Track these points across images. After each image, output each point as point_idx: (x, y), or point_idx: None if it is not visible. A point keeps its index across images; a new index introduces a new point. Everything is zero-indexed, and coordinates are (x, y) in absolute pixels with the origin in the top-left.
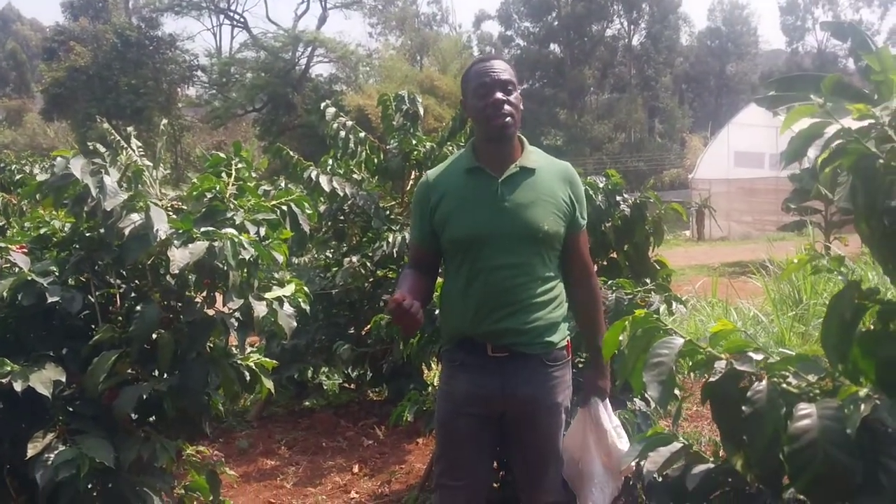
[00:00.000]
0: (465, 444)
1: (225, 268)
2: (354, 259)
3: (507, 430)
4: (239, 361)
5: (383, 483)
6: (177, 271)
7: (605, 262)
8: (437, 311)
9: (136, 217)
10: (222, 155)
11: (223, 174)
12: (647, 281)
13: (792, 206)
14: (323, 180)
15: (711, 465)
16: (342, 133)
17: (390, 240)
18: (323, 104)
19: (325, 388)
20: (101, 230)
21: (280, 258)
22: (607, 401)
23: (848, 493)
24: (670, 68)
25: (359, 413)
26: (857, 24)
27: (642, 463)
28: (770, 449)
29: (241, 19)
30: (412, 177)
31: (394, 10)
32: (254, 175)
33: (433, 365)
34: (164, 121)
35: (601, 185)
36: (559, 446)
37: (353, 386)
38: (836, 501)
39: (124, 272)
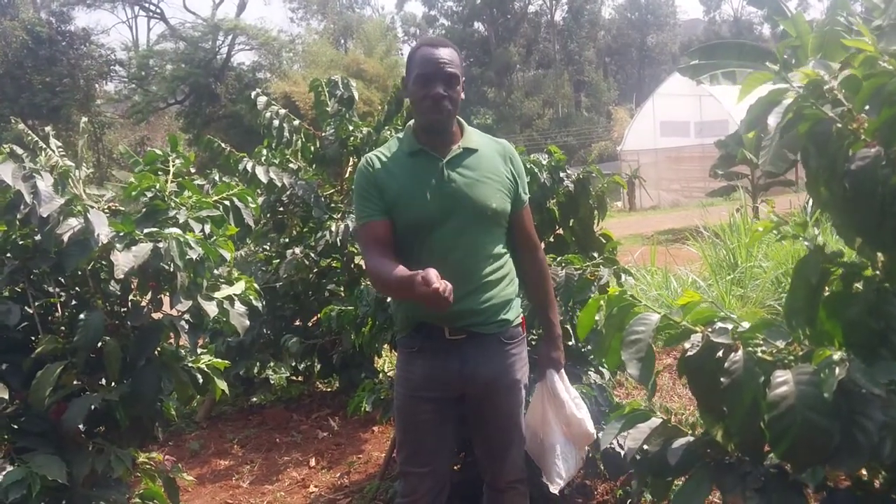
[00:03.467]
0: (427, 430)
1: (171, 269)
2: (297, 250)
3: (467, 412)
4: (190, 364)
5: (342, 474)
6: (121, 276)
7: (551, 239)
8: (388, 299)
9: (73, 222)
10: (158, 151)
11: (160, 171)
12: (595, 255)
13: (719, 172)
14: (259, 171)
15: (691, 439)
16: (276, 122)
17: (333, 228)
18: (253, 93)
19: (272, 382)
20: (37, 237)
21: (227, 255)
22: (563, 372)
23: (827, 454)
24: (593, 42)
25: (311, 406)
26: None
27: (620, 440)
28: (750, 417)
29: (158, 10)
30: (350, 163)
31: None
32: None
33: (384, 353)
34: (84, 118)
35: (545, 163)
36: (521, 424)
37: (301, 379)
38: (816, 463)
39: (63, 280)
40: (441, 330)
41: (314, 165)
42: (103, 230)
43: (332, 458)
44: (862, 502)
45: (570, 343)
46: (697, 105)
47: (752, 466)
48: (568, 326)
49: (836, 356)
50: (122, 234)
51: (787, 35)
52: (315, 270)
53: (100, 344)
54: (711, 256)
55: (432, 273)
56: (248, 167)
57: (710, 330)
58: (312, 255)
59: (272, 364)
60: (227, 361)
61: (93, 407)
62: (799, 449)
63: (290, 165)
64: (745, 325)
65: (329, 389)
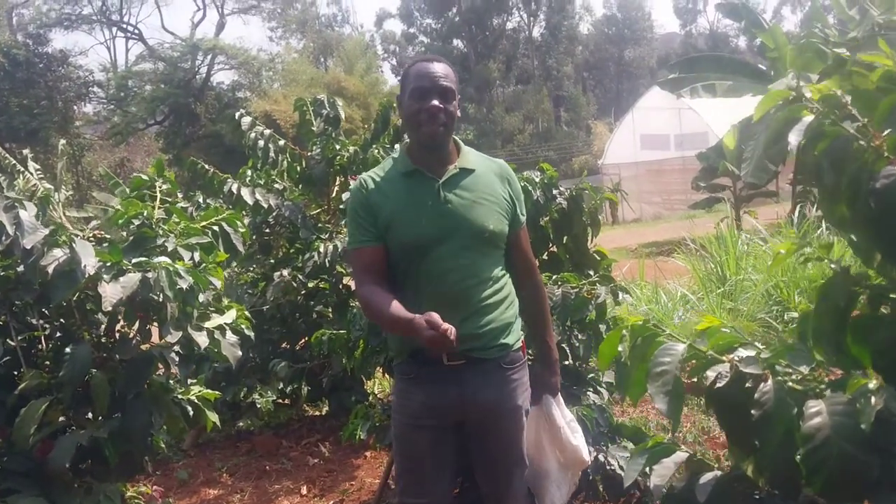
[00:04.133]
0: (426, 460)
1: (161, 299)
2: (285, 272)
3: (467, 440)
4: (180, 396)
5: (335, 502)
6: (109, 308)
7: (545, 257)
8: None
9: (58, 253)
10: (144, 176)
11: (146, 197)
12: (591, 272)
13: (701, 184)
14: (245, 193)
15: (718, 473)
16: (261, 142)
17: (321, 249)
18: (237, 113)
19: (258, 406)
20: (19, 268)
21: (218, 283)
22: (559, 396)
23: (866, 490)
24: (571, 57)
25: (300, 431)
26: (748, 4)
27: (619, 461)
28: (782, 451)
29: (136, 31)
30: (337, 183)
31: (293, 12)
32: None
33: (377, 376)
34: (63, 141)
35: (538, 180)
36: (523, 451)
37: (288, 402)
38: (854, 499)
39: (47, 312)
40: (439, 356)
41: (300, 185)
42: (90, 261)
43: (324, 486)
44: None
45: (567, 363)
46: (677, 118)
47: (785, 502)
48: (566, 346)
49: (872, 384)
50: (108, 264)
51: (765, 48)
52: (303, 292)
53: (86, 378)
54: (700, 270)
55: (436, 315)
56: (234, 189)
57: (736, 359)
58: (300, 276)
59: (259, 388)
60: (217, 392)
61: (82, 444)
62: (836, 484)
63: (276, 186)
64: (765, 351)
65: (318, 413)
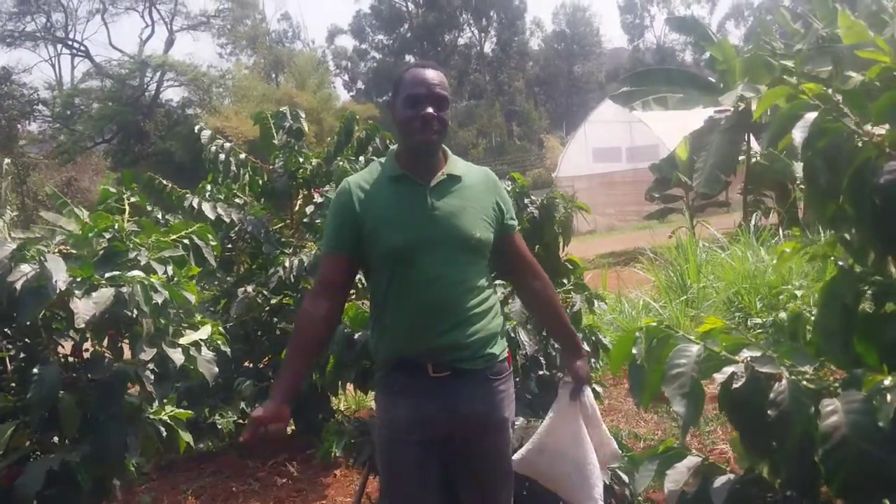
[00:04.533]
0: (412, 475)
1: (135, 315)
2: (250, 288)
3: (454, 454)
4: (152, 416)
5: None
6: (83, 325)
7: None
8: (355, 335)
9: (26, 268)
10: (112, 189)
11: (114, 210)
12: (564, 281)
13: (655, 195)
14: (206, 208)
15: (731, 476)
16: (221, 156)
17: (287, 264)
18: (197, 127)
19: (219, 427)
20: None
21: (192, 298)
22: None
23: (887, 489)
24: (522, 73)
25: (266, 451)
26: (697, 19)
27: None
28: (800, 451)
29: (82, 48)
30: (300, 196)
31: (243, 29)
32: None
33: (346, 393)
34: (7, 160)
35: (509, 189)
36: (510, 464)
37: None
38: (874, 499)
39: (8, 332)
40: (424, 367)
41: (262, 199)
42: (61, 276)
43: None
44: None
45: (541, 372)
46: (628, 131)
47: (804, 503)
48: (541, 357)
49: (888, 381)
50: (79, 279)
51: (714, 60)
52: (267, 309)
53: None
54: (663, 278)
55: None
56: (195, 203)
57: (749, 359)
58: (265, 292)
59: (220, 409)
60: (189, 412)
61: (54, 469)
62: (855, 483)
63: (237, 200)
64: (769, 352)
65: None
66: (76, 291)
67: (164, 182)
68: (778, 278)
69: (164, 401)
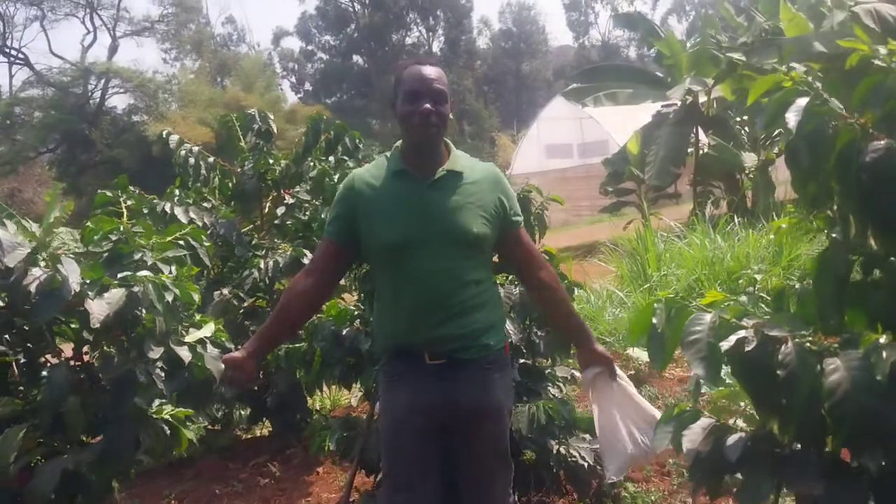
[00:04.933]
0: (412, 459)
1: (143, 314)
2: (225, 291)
3: (452, 440)
4: (155, 415)
5: None
6: (97, 325)
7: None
8: (344, 331)
9: (38, 272)
10: (108, 193)
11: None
12: None
13: (609, 189)
14: (178, 212)
15: (742, 435)
16: (191, 160)
17: (262, 266)
18: (164, 132)
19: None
20: None
21: (196, 297)
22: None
23: (886, 436)
24: (471, 71)
25: (246, 453)
26: (644, 16)
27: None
28: (808, 406)
29: (21, 56)
30: (269, 198)
31: (187, 33)
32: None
33: (326, 391)
34: None
35: None
36: (507, 451)
37: (218, 427)
38: (875, 446)
39: (8, 337)
40: (421, 355)
41: (232, 202)
42: (74, 278)
43: None
44: None
45: (522, 361)
46: (579, 127)
47: (812, 455)
48: (523, 346)
49: (883, 339)
50: (88, 281)
51: (661, 55)
52: (241, 311)
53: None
54: (627, 268)
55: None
56: (167, 208)
57: (758, 324)
58: (241, 294)
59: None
60: (190, 410)
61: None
62: (857, 433)
63: (204, 204)
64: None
65: (259, 435)
66: (89, 293)
67: (133, 188)
68: (737, 264)
69: (164, 401)
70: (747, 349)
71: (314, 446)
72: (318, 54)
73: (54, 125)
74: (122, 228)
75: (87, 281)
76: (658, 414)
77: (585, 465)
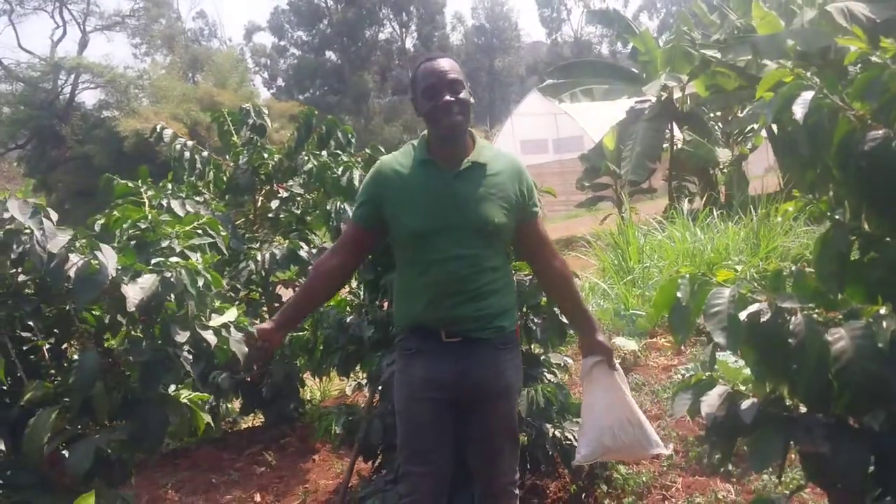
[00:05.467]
0: (427, 430)
1: (174, 299)
2: (224, 283)
3: (462, 416)
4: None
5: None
6: (133, 309)
7: None
8: (347, 319)
9: (76, 258)
10: (130, 184)
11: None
12: None
13: (586, 184)
14: (175, 205)
15: (754, 400)
16: (186, 154)
17: (259, 258)
18: (159, 126)
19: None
20: (19, 278)
21: (222, 283)
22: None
23: (886, 398)
24: None
25: (240, 443)
26: (619, 12)
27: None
28: (817, 372)
29: None
30: (262, 192)
31: (158, 28)
32: None
33: (328, 375)
34: None
35: None
36: (515, 427)
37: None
38: (878, 407)
39: (32, 323)
40: (438, 333)
41: (227, 196)
42: (111, 264)
43: (277, 492)
44: None
45: (524, 347)
46: (554, 123)
47: (819, 417)
48: (521, 332)
49: (883, 310)
50: (121, 267)
51: (636, 51)
52: (237, 302)
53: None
54: (611, 261)
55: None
56: (163, 202)
57: (774, 297)
58: (237, 286)
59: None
60: (206, 395)
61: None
62: (860, 397)
63: (197, 198)
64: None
65: (243, 427)
66: (123, 278)
67: (130, 183)
68: (717, 255)
69: (181, 385)
70: (763, 320)
71: (320, 430)
72: (290, 50)
73: (23, 121)
74: (149, 217)
75: (120, 267)
76: (643, 418)
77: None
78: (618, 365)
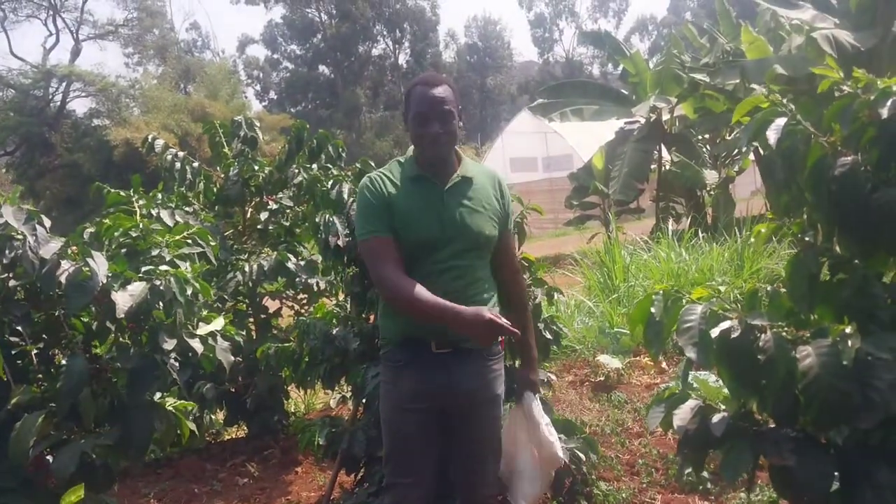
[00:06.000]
0: (413, 442)
1: (163, 307)
2: (212, 293)
3: (447, 425)
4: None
5: None
6: (122, 315)
7: None
8: (334, 330)
9: (67, 264)
10: (122, 193)
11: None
12: (524, 276)
13: (574, 203)
14: (164, 215)
15: (725, 414)
16: (177, 164)
17: (246, 269)
18: (151, 136)
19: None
20: (10, 283)
21: (211, 292)
22: (538, 396)
23: (850, 414)
24: None
25: (223, 454)
26: (610, 34)
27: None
28: (785, 388)
29: None
30: (252, 203)
31: (151, 38)
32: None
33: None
34: None
35: None
36: (499, 438)
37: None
38: (842, 422)
39: (21, 328)
40: (428, 344)
41: (216, 207)
42: (102, 271)
43: (259, 503)
44: (865, 455)
45: (507, 363)
46: (543, 142)
47: (786, 431)
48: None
49: (848, 330)
50: (111, 274)
51: (626, 73)
52: (223, 313)
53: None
54: (597, 279)
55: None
56: (153, 212)
57: (744, 315)
58: (224, 296)
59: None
60: (191, 402)
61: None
62: (827, 411)
63: (187, 208)
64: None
65: (236, 436)
66: (113, 285)
67: (122, 193)
68: (701, 275)
69: (167, 393)
70: (733, 336)
71: (302, 442)
72: (283, 63)
73: (13, 127)
74: (140, 226)
75: (111, 274)
76: (560, 455)
77: (560, 463)
78: (535, 408)
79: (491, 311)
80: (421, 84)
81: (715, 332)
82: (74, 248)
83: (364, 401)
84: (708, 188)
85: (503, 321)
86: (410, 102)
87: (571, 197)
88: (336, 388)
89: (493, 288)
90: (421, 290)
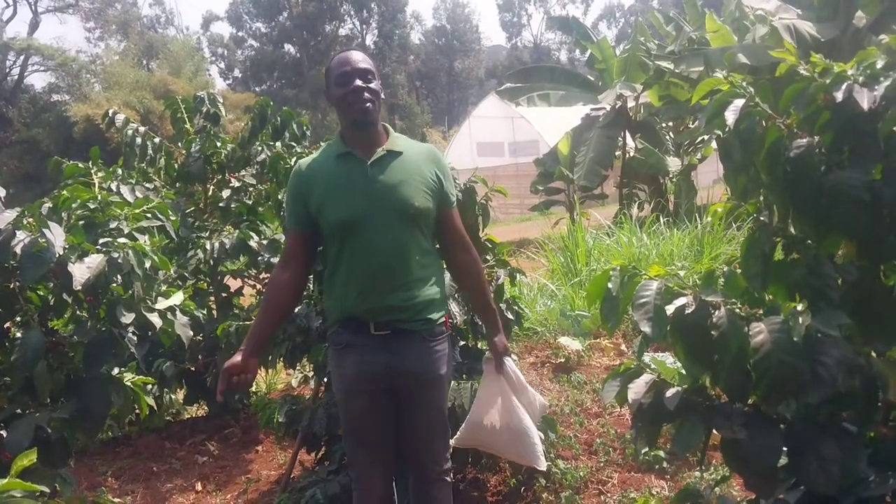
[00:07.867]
0: (366, 421)
1: (119, 280)
2: (172, 271)
3: (397, 405)
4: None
5: (238, 494)
6: (79, 287)
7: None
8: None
9: (23, 235)
10: (80, 164)
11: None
12: (488, 257)
13: (539, 188)
14: (125, 190)
15: (679, 389)
16: (138, 139)
17: (207, 247)
18: (111, 111)
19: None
20: None
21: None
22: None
23: (799, 389)
24: (404, 66)
25: (183, 432)
26: (578, 20)
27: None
28: (736, 363)
29: None
30: (214, 181)
31: (113, 12)
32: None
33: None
34: None
35: None
36: (445, 416)
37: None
38: (791, 397)
39: None
40: (367, 325)
41: (177, 183)
42: (59, 242)
43: (219, 482)
44: (812, 429)
45: (462, 343)
46: (510, 126)
47: (737, 406)
48: (466, 328)
49: (800, 307)
50: (69, 246)
51: (593, 59)
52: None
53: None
54: (554, 263)
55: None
56: (113, 187)
57: (698, 291)
58: (185, 273)
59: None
60: (150, 378)
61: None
62: (776, 386)
63: (147, 185)
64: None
65: (196, 416)
66: (70, 257)
67: (81, 164)
68: (662, 261)
69: (124, 369)
70: (687, 312)
71: (262, 420)
72: (248, 41)
73: None
74: (98, 198)
75: (67, 245)
76: (528, 427)
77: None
78: (511, 366)
79: (234, 363)
80: (338, 54)
81: (670, 309)
82: (31, 219)
83: (325, 379)
84: (671, 175)
85: (234, 381)
86: (331, 71)
87: (537, 182)
88: (298, 368)
89: (432, 267)
90: (266, 299)
